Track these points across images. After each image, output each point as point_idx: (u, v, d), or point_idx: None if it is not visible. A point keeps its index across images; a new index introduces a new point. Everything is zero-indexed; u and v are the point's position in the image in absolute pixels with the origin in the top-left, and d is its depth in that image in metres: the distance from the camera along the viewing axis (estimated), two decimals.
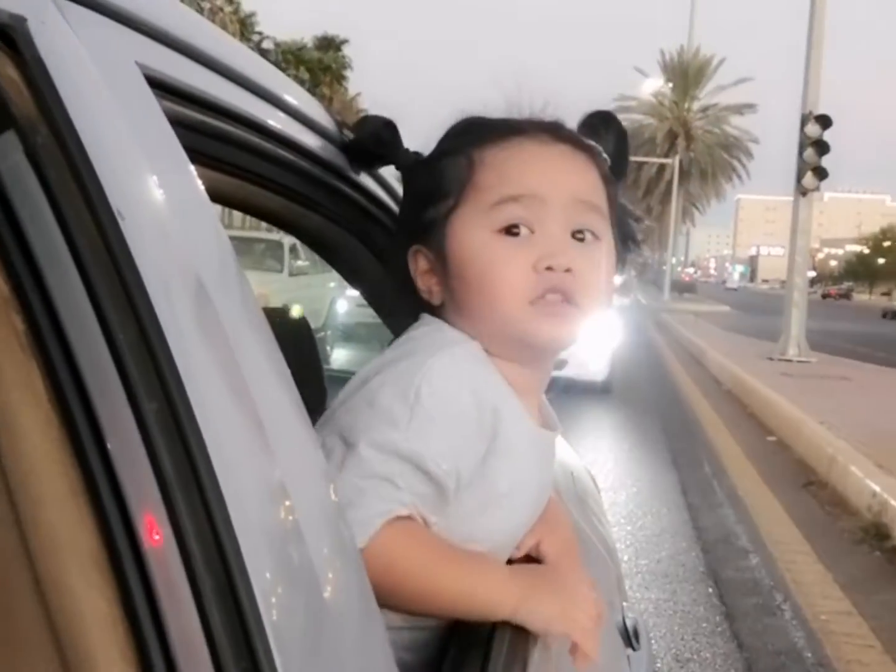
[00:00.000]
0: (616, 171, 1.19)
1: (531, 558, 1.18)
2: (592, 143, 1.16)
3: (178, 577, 0.55)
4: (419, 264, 1.14)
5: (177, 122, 0.79)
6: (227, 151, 0.98)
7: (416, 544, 1.00)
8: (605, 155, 1.17)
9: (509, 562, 1.15)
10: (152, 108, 0.72)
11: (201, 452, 0.57)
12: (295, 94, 1.19)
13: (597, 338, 7.79)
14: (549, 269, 1.06)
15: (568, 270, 1.07)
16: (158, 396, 0.57)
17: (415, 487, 1.00)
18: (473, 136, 1.13)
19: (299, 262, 14.43)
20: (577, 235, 1.10)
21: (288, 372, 0.75)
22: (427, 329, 1.12)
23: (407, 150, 1.19)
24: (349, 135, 1.25)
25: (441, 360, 1.04)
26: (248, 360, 0.67)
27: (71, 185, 0.59)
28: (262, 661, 0.55)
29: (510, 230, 1.07)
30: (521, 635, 1.01)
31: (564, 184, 1.10)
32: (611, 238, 1.15)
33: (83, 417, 0.56)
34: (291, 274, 14.38)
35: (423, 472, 1.00)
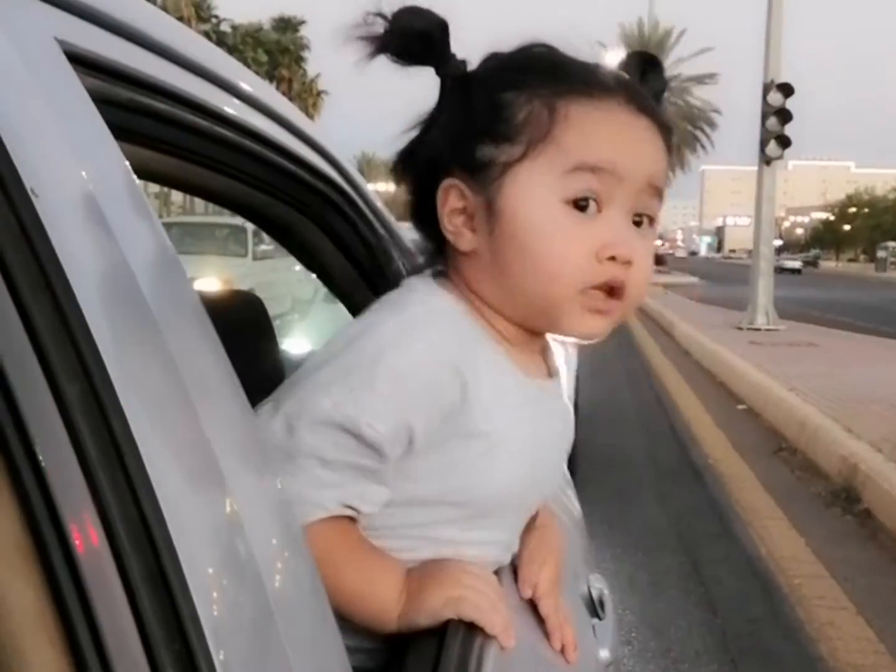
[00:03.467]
0: None
1: None
2: (667, 116, 1.07)
3: (106, 564, 0.54)
4: (450, 200, 1.02)
5: (104, 100, 0.77)
6: (161, 129, 0.96)
7: (327, 543, 0.96)
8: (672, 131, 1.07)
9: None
10: (72, 85, 0.70)
11: (128, 443, 0.56)
12: (234, 71, 1.17)
13: None
14: (611, 258, 0.99)
15: (628, 262, 0.99)
16: (82, 384, 0.56)
17: (347, 457, 0.95)
18: (554, 78, 1.00)
19: (263, 247, 14.37)
20: (635, 218, 1.02)
21: (225, 355, 0.73)
22: (398, 292, 1.04)
23: (454, 56, 1.04)
24: (382, 24, 1.01)
25: (394, 319, 0.98)
26: (180, 344, 0.66)
27: None
28: (195, 643, 0.54)
29: (578, 202, 0.98)
30: (474, 635, 0.99)
31: (644, 165, 1.01)
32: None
33: (4, 408, 0.54)
34: (256, 258, 14.33)
35: (356, 438, 0.94)
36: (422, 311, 1.00)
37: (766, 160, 16.85)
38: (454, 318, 1.01)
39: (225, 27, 54.49)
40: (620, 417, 9.13)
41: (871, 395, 9.13)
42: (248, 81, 1.21)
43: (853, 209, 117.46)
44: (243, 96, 1.17)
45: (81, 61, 0.75)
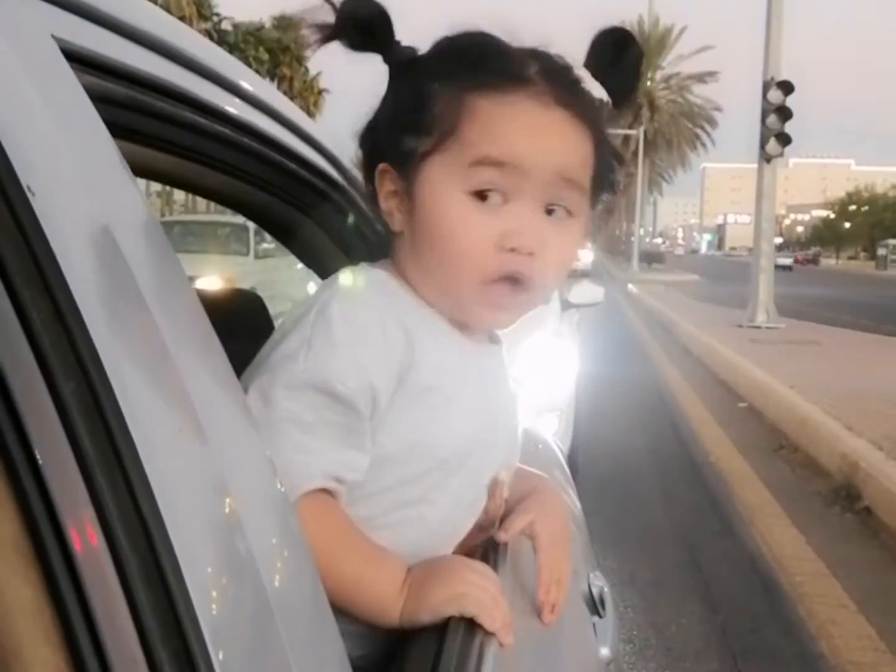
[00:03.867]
0: (618, 102, 1.11)
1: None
2: (596, 106, 1.07)
3: (103, 561, 0.54)
4: (385, 183, 1.08)
5: (102, 98, 0.77)
6: (159, 127, 0.96)
7: (322, 521, 0.98)
8: (606, 110, 1.08)
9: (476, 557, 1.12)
10: (69, 83, 0.70)
11: (125, 439, 0.56)
12: (232, 68, 1.17)
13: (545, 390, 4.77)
14: (512, 249, 1.02)
15: (531, 254, 1.02)
16: (78, 382, 0.56)
17: (325, 416, 0.99)
18: (469, 71, 1.03)
19: (265, 245, 14.38)
20: (549, 208, 1.04)
21: (223, 353, 0.73)
22: (337, 273, 1.09)
23: (399, 43, 1.08)
24: (330, 11, 1.06)
25: (339, 289, 1.03)
26: (177, 341, 0.66)
27: None
28: (192, 641, 0.54)
29: (483, 193, 1.01)
30: (474, 631, 0.99)
31: (550, 158, 1.02)
32: (587, 212, 1.08)
33: (2, 406, 0.54)
34: (257, 257, 14.34)
35: (330, 396, 0.98)
36: (360, 281, 1.05)
37: (766, 158, 16.85)
38: (388, 285, 1.06)
39: (226, 25, 54.57)
40: (621, 415, 9.12)
41: (873, 392, 9.12)
42: (246, 78, 1.21)
43: (853, 207, 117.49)
44: (241, 93, 1.17)
45: (79, 59, 0.75)
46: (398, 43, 1.07)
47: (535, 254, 1.02)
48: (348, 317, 1.00)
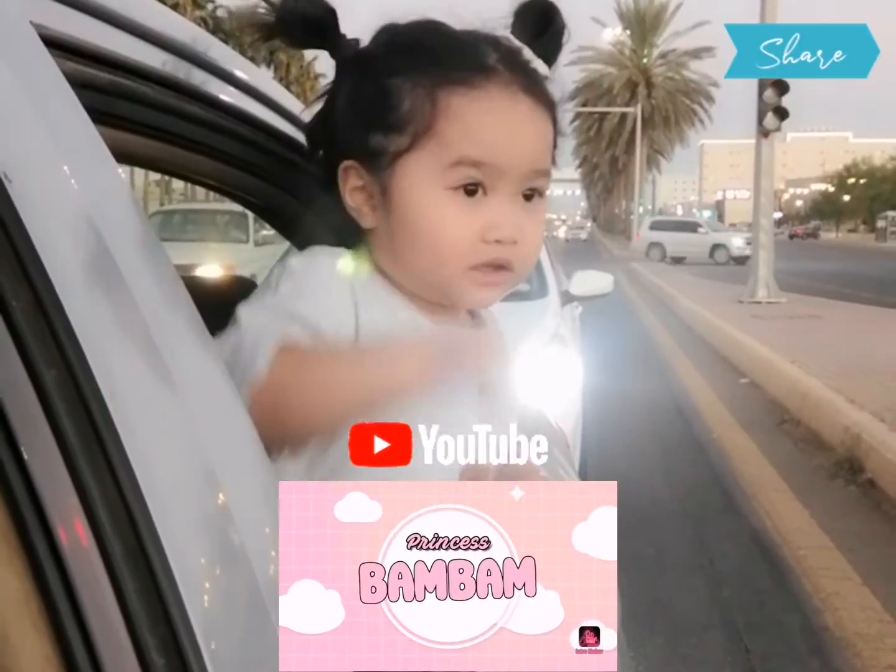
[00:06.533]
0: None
1: None
2: (552, 94, 1.08)
3: (89, 549, 0.54)
4: (350, 180, 1.06)
5: (83, 84, 0.77)
6: (144, 113, 0.95)
7: (308, 367, 0.96)
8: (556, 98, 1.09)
9: None
10: (48, 70, 0.70)
11: (108, 426, 0.56)
12: (217, 52, 1.16)
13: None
14: (497, 241, 1.03)
15: (514, 242, 1.04)
16: (59, 369, 0.55)
17: (293, 331, 0.98)
18: (436, 65, 1.02)
19: (264, 232, 14.37)
20: (526, 193, 1.06)
21: (209, 338, 0.73)
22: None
23: (345, 37, 1.07)
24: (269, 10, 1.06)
25: (301, 253, 1.06)
26: (161, 327, 0.65)
27: None
28: (179, 627, 0.54)
29: (465, 188, 1.02)
30: None
31: (525, 154, 1.04)
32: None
33: None
34: (257, 244, 14.32)
35: (295, 318, 0.97)
36: (320, 249, 1.06)
37: (763, 132, 16.79)
38: (347, 256, 1.06)
39: (221, 13, 54.42)
40: (622, 392, 9.11)
41: (874, 365, 9.12)
42: (232, 63, 1.20)
43: (852, 180, 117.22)
44: (225, 76, 1.16)
45: (58, 45, 0.74)
46: (344, 37, 1.07)
47: (517, 242, 1.04)
48: (308, 271, 1.01)
